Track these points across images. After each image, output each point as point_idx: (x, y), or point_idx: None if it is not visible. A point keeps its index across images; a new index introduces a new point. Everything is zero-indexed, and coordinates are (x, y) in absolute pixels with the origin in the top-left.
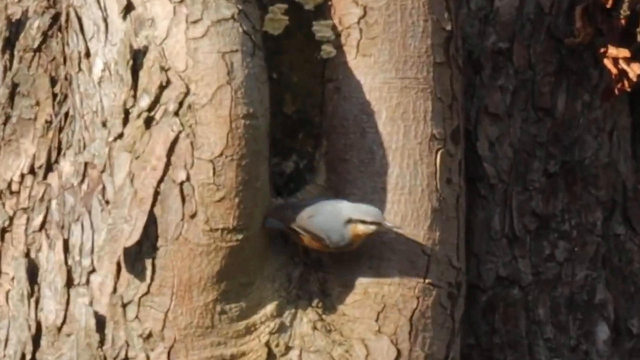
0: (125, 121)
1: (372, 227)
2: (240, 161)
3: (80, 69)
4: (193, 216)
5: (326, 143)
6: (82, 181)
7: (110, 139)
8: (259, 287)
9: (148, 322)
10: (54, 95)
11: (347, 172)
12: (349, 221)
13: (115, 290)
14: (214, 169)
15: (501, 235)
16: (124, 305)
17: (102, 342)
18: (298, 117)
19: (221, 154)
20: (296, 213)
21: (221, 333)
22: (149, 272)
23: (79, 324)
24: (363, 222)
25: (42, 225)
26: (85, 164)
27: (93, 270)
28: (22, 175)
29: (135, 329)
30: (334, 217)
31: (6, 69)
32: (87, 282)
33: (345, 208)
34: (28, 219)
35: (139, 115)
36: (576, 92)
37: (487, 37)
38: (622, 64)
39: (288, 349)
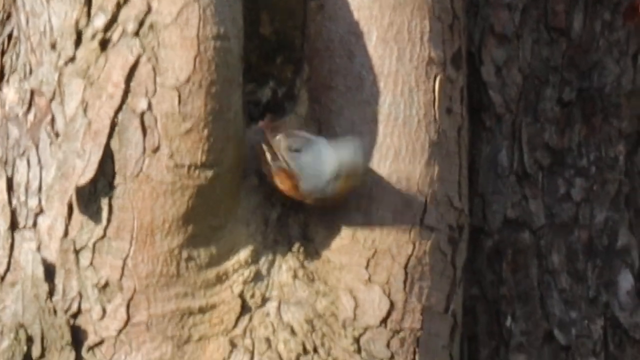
0: (78, 43)
1: None
2: (209, 88)
3: None
4: (156, 150)
5: (308, 68)
6: (28, 110)
7: (61, 63)
8: (231, 231)
9: (104, 270)
10: None
11: (332, 101)
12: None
13: (66, 234)
14: (179, 97)
15: (509, 172)
16: (77, 251)
17: (51, 293)
18: (276, 38)
19: (188, 80)
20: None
21: (188, 282)
22: (105, 214)
23: (24, 272)
24: None
25: None
26: (32, 91)
27: (41, 212)
28: None
29: (90, 277)
30: (322, 161)
31: None
32: (34, 225)
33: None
34: None
35: (93, 36)
36: (595, 9)
37: None
38: None
39: (265, 300)
